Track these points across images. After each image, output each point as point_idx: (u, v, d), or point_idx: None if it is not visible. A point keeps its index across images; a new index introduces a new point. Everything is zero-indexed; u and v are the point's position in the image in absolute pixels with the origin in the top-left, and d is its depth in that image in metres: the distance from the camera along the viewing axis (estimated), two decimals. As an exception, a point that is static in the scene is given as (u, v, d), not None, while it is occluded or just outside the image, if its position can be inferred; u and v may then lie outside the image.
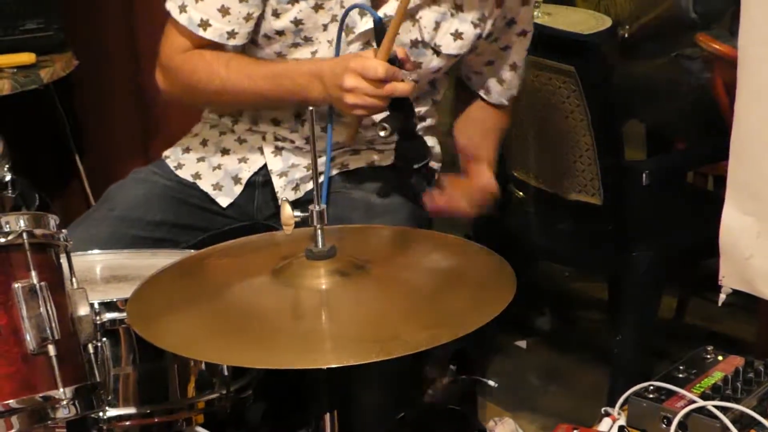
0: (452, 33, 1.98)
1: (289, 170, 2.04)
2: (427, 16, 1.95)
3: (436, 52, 1.99)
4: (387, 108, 1.80)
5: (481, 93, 2.16)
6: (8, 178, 1.98)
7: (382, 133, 1.81)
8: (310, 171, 2.00)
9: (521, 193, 2.88)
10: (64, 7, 2.84)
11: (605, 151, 2.52)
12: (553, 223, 2.81)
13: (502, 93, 2.15)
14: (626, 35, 3.48)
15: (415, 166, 1.85)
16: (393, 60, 1.77)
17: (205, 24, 1.91)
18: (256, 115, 2.05)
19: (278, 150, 2.04)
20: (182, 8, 1.91)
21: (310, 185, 2.03)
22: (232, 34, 1.92)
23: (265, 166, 2.05)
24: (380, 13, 1.86)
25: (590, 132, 2.50)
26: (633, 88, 3.14)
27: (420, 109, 2.05)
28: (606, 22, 3.27)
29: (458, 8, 1.97)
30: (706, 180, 3.35)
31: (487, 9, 1.99)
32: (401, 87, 1.77)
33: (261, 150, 2.05)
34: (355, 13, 1.89)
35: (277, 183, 2.04)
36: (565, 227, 2.80)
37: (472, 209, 2.07)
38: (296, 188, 2.04)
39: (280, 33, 1.94)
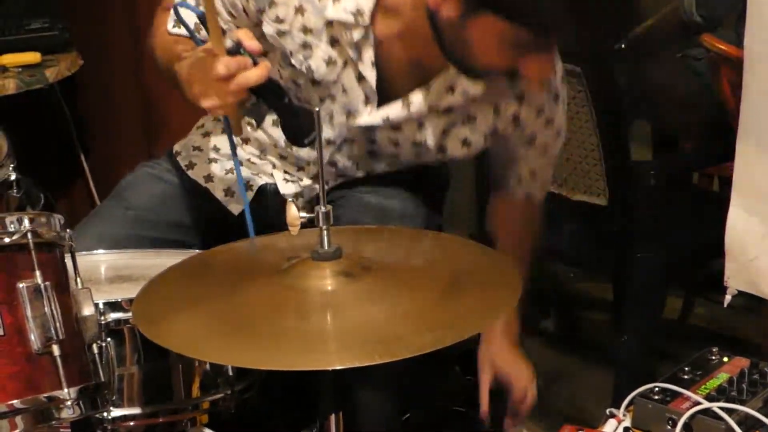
0: (461, 140, 1.91)
1: (304, 190, 2.01)
2: (436, 123, 1.88)
3: (441, 150, 1.93)
4: (252, 94, 1.65)
5: (515, 188, 2.04)
6: (13, 177, 1.98)
7: (249, 128, 1.73)
8: (334, 168, 1.99)
9: (526, 194, 2.88)
10: (69, 7, 2.85)
11: (611, 152, 2.51)
12: (559, 223, 2.81)
13: (538, 187, 2.04)
14: (631, 39, 3.48)
15: (306, 141, 1.67)
16: (234, 49, 1.58)
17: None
18: (263, 147, 2.02)
19: (287, 175, 2.02)
20: None
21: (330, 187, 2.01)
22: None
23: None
24: (385, 115, 1.84)
25: (596, 132, 2.50)
26: (638, 88, 3.14)
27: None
28: (611, 23, 3.27)
29: (470, 118, 1.90)
30: (711, 181, 3.34)
31: (501, 124, 1.91)
32: (252, 75, 1.57)
33: (272, 172, 2.03)
34: (359, 100, 1.85)
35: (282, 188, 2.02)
36: (571, 228, 2.79)
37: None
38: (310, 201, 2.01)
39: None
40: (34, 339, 1.41)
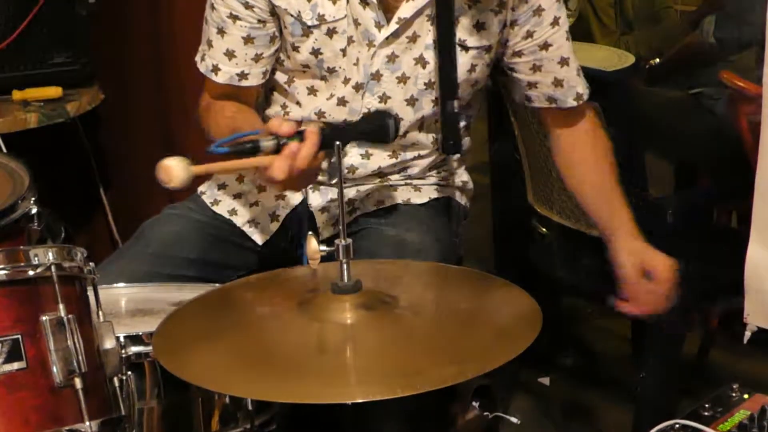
0: (474, 25, 1.95)
1: (330, 205, 2.04)
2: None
3: (464, 48, 1.96)
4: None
5: (546, 105, 2.05)
6: (34, 210, 1.99)
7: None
8: (350, 206, 2.04)
9: (544, 229, 2.88)
10: (91, 41, 2.87)
11: (629, 188, 2.51)
12: (577, 258, 2.81)
13: (566, 93, 2.03)
14: (649, 71, 3.50)
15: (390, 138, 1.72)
16: (276, 144, 1.62)
17: (216, 69, 1.98)
18: None
19: (316, 186, 2.05)
20: (203, 57, 2.01)
21: (352, 219, 2.04)
22: (243, 76, 1.97)
23: (302, 202, 2.05)
24: (396, 17, 1.90)
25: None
26: (657, 124, 3.15)
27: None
28: (629, 59, 3.28)
29: (474, 0, 1.95)
30: (730, 217, 3.34)
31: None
32: (306, 153, 1.62)
33: None
34: (370, 25, 1.91)
35: (319, 218, 2.05)
36: (589, 263, 2.79)
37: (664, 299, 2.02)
38: (335, 224, 2.04)
39: (305, 66, 1.96)
40: (57, 372, 1.42)
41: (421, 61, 1.96)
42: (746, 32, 3.01)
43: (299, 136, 1.62)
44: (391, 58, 1.93)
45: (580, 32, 3.62)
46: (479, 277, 1.71)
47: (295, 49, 1.95)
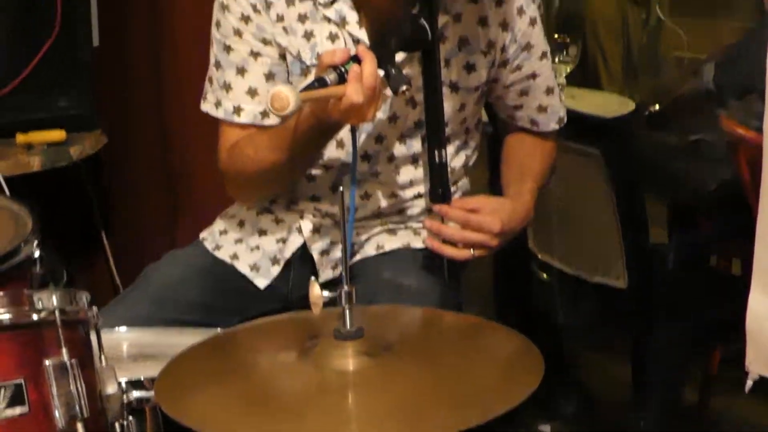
0: (464, 66, 2.01)
1: (330, 248, 2.06)
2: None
3: (454, 89, 2.01)
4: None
5: (528, 126, 2.14)
6: (37, 254, 2.00)
7: (406, 91, 1.80)
8: (352, 249, 2.05)
9: (545, 275, 2.89)
10: (95, 85, 2.88)
11: (630, 234, 2.53)
12: (577, 304, 2.82)
13: (549, 118, 2.13)
14: (650, 117, 3.52)
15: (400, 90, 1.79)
16: (340, 74, 1.72)
17: (238, 110, 1.98)
18: (294, 194, 2.08)
19: (316, 227, 2.07)
20: (217, 104, 2.01)
21: (352, 263, 2.05)
22: (265, 114, 1.97)
23: (302, 246, 2.07)
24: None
25: (615, 215, 2.52)
26: (656, 170, 3.16)
27: (453, 166, 2.06)
28: (629, 105, 3.30)
29: (464, 41, 2.00)
30: (731, 263, 3.35)
31: (492, 34, 2.01)
32: (369, 70, 1.71)
33: (299, 230, 2.08)
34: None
35: (318, 261, 2.06)
36: (589, 309, 2.80)
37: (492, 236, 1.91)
38: (335, 267, 2.06)
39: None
40: (59, 417, 1.42)
41: (411, 102, 1.99)
42: (746, 79, 3.03)
43: (354, 59, 1.71)
44: (383, 100, 1.95)
45: (586, 77, 3.66)
46: (480, 323, 1.71)
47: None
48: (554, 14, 3.57)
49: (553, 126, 2.15)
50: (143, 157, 3.13)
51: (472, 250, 1.92)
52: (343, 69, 1.71)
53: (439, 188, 1.92)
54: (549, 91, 2.12)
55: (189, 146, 3.06)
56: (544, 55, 2.09)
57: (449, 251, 1.92)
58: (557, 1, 4.23)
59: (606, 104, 3.28)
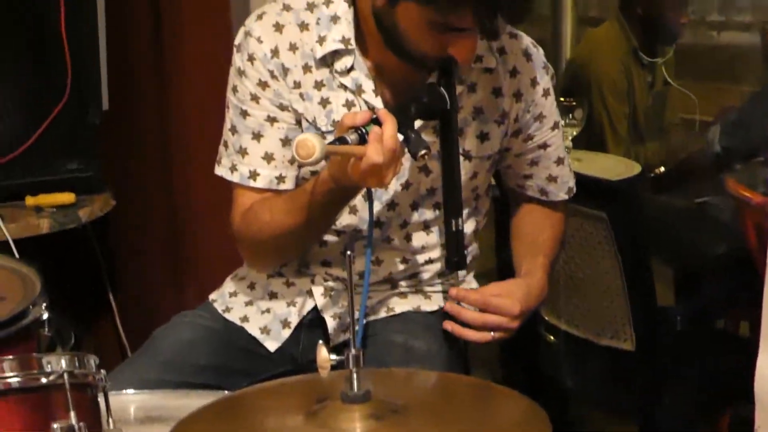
0: (477, 135, 2.02)
1: (342, 312, 2.07)
2: None
3: (467, 157, 2.02)
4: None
5: (538, 196, 2.16)
6: (45, 316, 2.01)
7: (425, 156, 1.78)
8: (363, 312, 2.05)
9: (552, 337, 2.89)
10: (103, 148, 2.91)
11: (637, 297, 2.53)
12: (585, 366, 2.81)
13: (559, 188, 2.15)
14: (656, 179, 3.54)
15: (419, 155, 1.78)
16: (361, 134, 1.73)
17: (254, 174, 1.99)
18: (306, 258, 2.08)
19: (328, 291, 2.07)
20: (233, 168, 2.01)
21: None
22: (281, 179, 1.99)
23: (314, 309, 2.08)
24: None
25: (622, 277, 2.53)
26: (662, 233, 3.17)
27: (464, 232, 2.05)
28: (635, 168, 3.33)
29: (478, 111, 2.01)
30: (738, 325, 3.34)
31: (505, 104, 2.02)
32: (390, 132, 1.72)
33: (310, 293, 2.08)
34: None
35: (330, 324, 2.06)
36: (597, 371, 2.80)
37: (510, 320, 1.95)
38: (347, 330, 2.06)
39: (315, 173, 1.99)
40: (67, 479, 1.43)
41: (424, 170, 2.01)
42: (752, 142, 3.05)
43: (375, 121, 1.73)
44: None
45: (592, 141, 3.69)
46: (487, 385, 1.71)
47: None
48: (560, 77, 3.60)
49: (563, 196, 2.17)
50: (151, 219, 3.15)
51: (491, 333, 1.95)
52: (363, 130, 1.73)
53: (455, 256, 1.94)
54: (559, 161, 2.13)
55: (196, 208, 3.08)
56: (555, 125, 2.10)
57: (469, 335, 1.95)
58: (563, 64, 4.28)
59: (612, 167, 3.31)
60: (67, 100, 2.75)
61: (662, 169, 3.58)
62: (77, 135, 2.82)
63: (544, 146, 2.10)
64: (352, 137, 1.72)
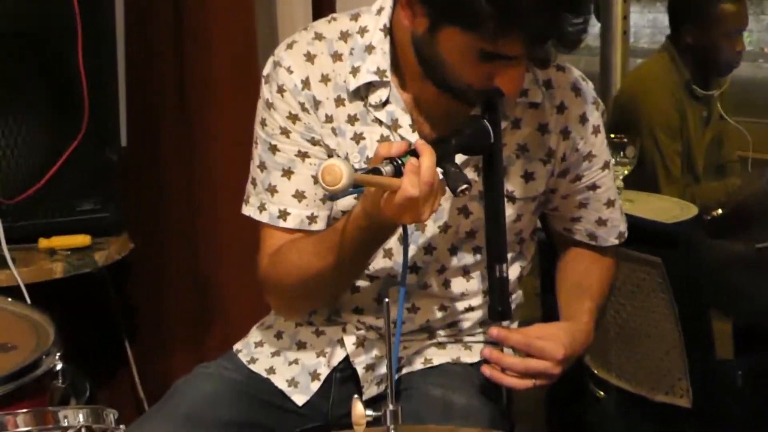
0: (522, 175, 2.00)
1: (375, 363, 2.05)
2: None
3: (511, 199, 2.00)
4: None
5: (586, 241, 2.14)
6: (59, 367, 2.01)
7: (466, 191, 1.75)
8: (399, 364, 2.04)
9: (602, 393, 2.87)
10: (121, 188, 2.92)
11: (695, 349, 2.51)
12: (637, 424, 2.79)
13: (609, 232, 2.13)
14: (712, 222, 3.51)
15: (458, 190, 1.75)
16: (397, 166, 1.71)
17: (284, 214, 1.98)
18: (336, 305, 2.07)
19: (360, 341, 2.06)
20: (261, 207, 2.00)
21: (397, 378, 2.03)
22: (312, 219, 1.98)
23: (344, 360, 2.06)
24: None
25: (678, 328, 2.51)
26: (720, 281, 3.15)
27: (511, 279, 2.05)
28: (692, 210, 3.31)
29: (522, 148, 1.99)
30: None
31: (552, 142, 2.01)
32: (428, 164, 1.69)
33: (341, 342, 2.07)
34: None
35: (362, 377, 2.05)
36: (650, 429, 2.77)
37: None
38: (380, 383, 2.05)
39: (346, 213, 1.98)
40: None
41: (464, 211, 2.00)
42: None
43: (412, 153, 1.71)
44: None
45: (644, 180, 3.67)
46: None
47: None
48: (608, 112, 3.59)
49: (613, 241, 2.15)
50: (171, 264, 3.15)
51: (534, 380, 1.92)
52: (399, 161, 1.71)
53: (498, 305, 1.89)
54: (609, 203, 2.11)
55: (221, 252, 3.08)
56: (606, 165, 2.09)
57: (510, 381, 1.92)
58: (612, 99, 4.27)
59: (666, 209, 3.29)
60: (83, 136, 2.76)
61: (720, 211, 3.55)
62: (94, 173, 2.82)
63: (593, 187, 2.09)
64: (386, 168, 1.70)
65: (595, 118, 2.05)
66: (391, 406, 1.51)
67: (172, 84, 3.08)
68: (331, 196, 1.72)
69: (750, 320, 3.25)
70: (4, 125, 2.73)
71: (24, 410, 1.47)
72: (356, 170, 1.65)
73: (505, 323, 2.11)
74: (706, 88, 3.94)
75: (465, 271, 2.05)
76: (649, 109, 3.86)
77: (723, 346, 3.26)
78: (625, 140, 3.31)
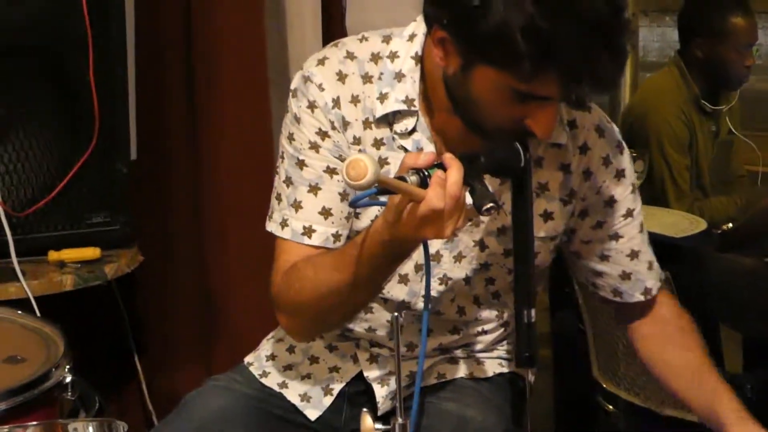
0: (541, 214, 1.96)
1: (388, 377, 2.04)
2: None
3: None
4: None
5: (611, 297, 2.08)
6: (68, 379, 2.01)
7: (491, 210, 1.69)
8: (412, 379, 2.02)
9: (611, 407, 2.86)
10: (131, 201, 2.92)
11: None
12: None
13: (633, 287, 2.05)
14: (722, 236, 3.51)
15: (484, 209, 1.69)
16: (423, 177, 1.66)
17: (309, 231, 1.93)
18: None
19: (374, 356, 2.05)
20: (284, 223, 1.95)
21: (410, 393, 1.99)
22: (337, 237, 1.94)
23: (358, 375, 2.05)
24: None
25: (687, 342, 2.49)
26: (730, 294, 3.14)
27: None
28: (700, 225, 3.30)
29: (543, 187, 1.96)
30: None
31: (574, 183, 1.97)
32: (455, 179, 1.65)
33: (354, 357, 2.06)
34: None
35: (378, 392, 2.04)
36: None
37: None
38: (394, 397, 2.01)
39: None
40: None
41: (480, 245, 1.97)
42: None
43: (440, 166, 1.67)
44: (450, 238, 1.88)
45: (653, 194, 3.67)
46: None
47: (357, 216, 1.95)
48: (618, 127, 3.59)
49: (638, 297, 2.07)
50: (181, 276, 3.15)
51: None
52: (426, 173, 1.66)
53: (525, 352, 1.80)
54: (633, 255, 2.04)
55: (230, 265, 3.08)
56: (629, 213, 2.02)
57: None
58: (620, 114, 4.27)
59: (675, 223, 3.28)
60: (93, 149, 2.76)
61: (729, 225, 3.55)
62: (104, 186, 2.83)
63: (615, 237, 2.02)
64: (412, 178, 1.65)
65: (619, 161, 1.99)
66: (400, 420, 1.51)
67: (182, 97, 3.08)
68: (353, 200, 1.66)
69: (759, 334, 3.24)
70: (15, 138, 2.74)
71: (34, 423, 1.48)
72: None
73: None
74: (715, 103, 3.93)
75: (475, 299, 2.03)
76: (658, 124, 3.85)
77: (732, 360, 3.26)
78: (634, 155, 3.30)
